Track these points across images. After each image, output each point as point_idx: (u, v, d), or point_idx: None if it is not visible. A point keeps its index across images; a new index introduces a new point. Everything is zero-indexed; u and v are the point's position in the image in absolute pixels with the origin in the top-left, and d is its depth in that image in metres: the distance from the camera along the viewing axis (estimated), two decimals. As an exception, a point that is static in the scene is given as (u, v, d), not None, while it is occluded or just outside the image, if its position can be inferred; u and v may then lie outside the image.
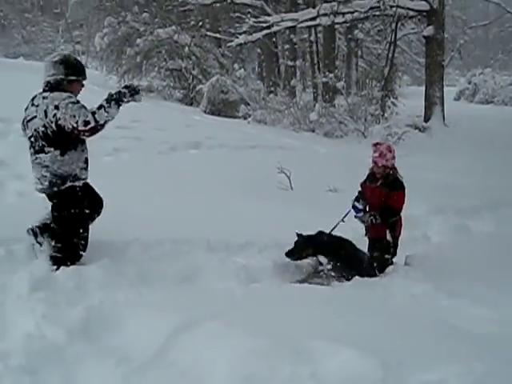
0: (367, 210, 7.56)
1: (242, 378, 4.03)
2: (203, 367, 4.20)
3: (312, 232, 7.28)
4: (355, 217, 7.55)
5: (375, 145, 7.69)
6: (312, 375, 4.00)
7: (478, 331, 5.12)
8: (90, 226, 6.39)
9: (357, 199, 7.64)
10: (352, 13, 22.31)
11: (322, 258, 7.03)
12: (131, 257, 6.35)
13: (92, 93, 19.74)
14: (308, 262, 7.23)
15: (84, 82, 6.48)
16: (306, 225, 7.76)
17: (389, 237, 7.42)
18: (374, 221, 7.34)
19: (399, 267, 7.36)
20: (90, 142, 11.36)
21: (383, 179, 7.45)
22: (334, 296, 6.20)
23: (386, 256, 7.38)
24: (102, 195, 6.62)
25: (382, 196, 7.38)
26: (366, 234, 7.70)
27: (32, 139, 5.97)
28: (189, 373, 4.19)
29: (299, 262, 7.19)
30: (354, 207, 7.46)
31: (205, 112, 21.00)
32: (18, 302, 4.98)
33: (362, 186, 7.80)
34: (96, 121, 5.81)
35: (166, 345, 4.46)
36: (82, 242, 6.10)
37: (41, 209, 6.76)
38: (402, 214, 7.49)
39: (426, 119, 23.26)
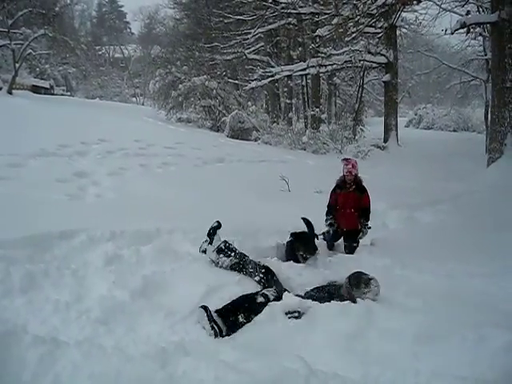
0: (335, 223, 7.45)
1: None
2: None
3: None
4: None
5: (347, 159, 7.61)
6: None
7: (421, 293, 5.11)
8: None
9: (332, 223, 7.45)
10: (332, 65, 22.35)
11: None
12: (175, 240, 6.35)
13: (147, 123, 19.87)
14: None
15: None
16: (300, 216, 7.75)
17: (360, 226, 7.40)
18: (367, 228, 7.37)
19: (366, 247, 7.34)
20: (146, 157, 11.56)
21: (355, 185, 7.37)
22: (322, 267, 6.19)
23: (356, 243, 7.34)
24: (155, 196, 6.61)
25: (356, 198, 7.32)
26: (336, 227, 7.46)
27: None
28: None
29: None
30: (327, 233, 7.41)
31: (227, 136, 20.98)
32: (95, 273, 5.00)
33: (332, 194, 7.59)
34: None
35: (200, 302, 4.47)
36: None
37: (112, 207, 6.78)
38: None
39: (385, 141, 23.18)
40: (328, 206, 7.61)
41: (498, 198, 11.09)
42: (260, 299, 4.72)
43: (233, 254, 5.42)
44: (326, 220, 7.49)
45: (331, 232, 7.40)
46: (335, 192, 7.56)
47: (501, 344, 3.58)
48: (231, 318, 4.42)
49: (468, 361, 3.54)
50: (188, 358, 3.16)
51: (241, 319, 4.45)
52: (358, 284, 4.74)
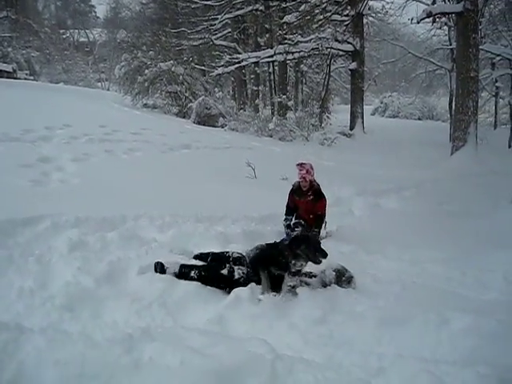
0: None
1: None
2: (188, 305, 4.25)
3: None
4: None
5: (300, 164, 7.21)
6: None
7: (386, 278, 5.21)
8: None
9: (290, 225, 7.12)
10: (299, 52, 22.34)
11: None
12: (140, 226, 6.32)
13: (113, 108, 19.63)
14: None
15: None
16: (266, 202, 7.79)
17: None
18: (316, 234, 6.87)
19: (332, 233, 7.40)
20: (111, 142, 11.45)
21: (312, 192, 7.14)
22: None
23: None
24: (121, 182, 6.55)
25: (312, 205, 7.11)
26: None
27: None
28: (181, 308, 4.22)
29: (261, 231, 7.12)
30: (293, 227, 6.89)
31: (194, 122, 20.87)
32: (60, 259, 4.95)
33: (290, 196, 7.32)
34: None
35: (166, 288, 4.47)
36: None
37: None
38: (335, 195, 7.43)
39: (351, 128, 23.38)
40: (287, 207, 7.41)
41: (460, 186, 11.31)
42: (224, 271, 4.84)
43: (193, 272, 4.88)
44: (286, 220, 7.32)
45: (290, 234, 6.82)
46: (293, 196, 7.35)
47: (461, 327, 3.68)
48: (184, 269, 4.85)
49: (430, 343, 3.63)
50: (154, 344, 3.16)
51: (192, 274, 4.82)
52: (340, 279, 4.84)
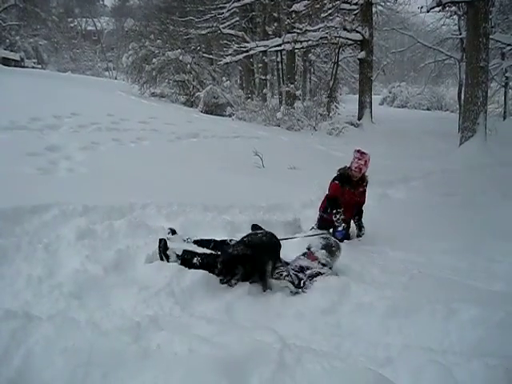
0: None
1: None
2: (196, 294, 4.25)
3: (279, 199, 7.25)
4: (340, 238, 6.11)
5: (362, 153, 6.68)
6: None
7: (392, 268, 5.21)
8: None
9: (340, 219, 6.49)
10: (307, 41, 22.29)
11: None
12: (148, 215, 6.33)
13: (120, 97, 19.63)
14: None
15: None
16: (274, 192, 7.77)
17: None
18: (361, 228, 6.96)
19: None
20: (119, 131, 11.45)
21: (363, 183, 6.76)
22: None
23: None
24: (129, 171, 6.54)
25: (360, 197, 6.78)
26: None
27: None
28: (189, 296, 4.23)
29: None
30: (337, 232, 6.40)
31: (201, 112, 20.87)
32: (68, 247, 4.95)
33: (337, 188, 6.60)
34: None
35: (173, 276, 4.47)
36: None
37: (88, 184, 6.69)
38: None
39: (359, 118, 23.31)
40: (332, 200, 6.66)
41: (469, 176, 11.27)
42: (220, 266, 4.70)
43: (195, 259, 4.80)
44: (339, 213, 6.52)
45: (344, 230, 6.54)
46: (342, 187, 6.63)
47: (469, 318, 3.68)
48: (187, 256, 4.80)
49: (437, 334, 3.62)
50: (162, 332, 3.16)
51: (195, 260, 4.77)
52: (333, 252, 4.86)
